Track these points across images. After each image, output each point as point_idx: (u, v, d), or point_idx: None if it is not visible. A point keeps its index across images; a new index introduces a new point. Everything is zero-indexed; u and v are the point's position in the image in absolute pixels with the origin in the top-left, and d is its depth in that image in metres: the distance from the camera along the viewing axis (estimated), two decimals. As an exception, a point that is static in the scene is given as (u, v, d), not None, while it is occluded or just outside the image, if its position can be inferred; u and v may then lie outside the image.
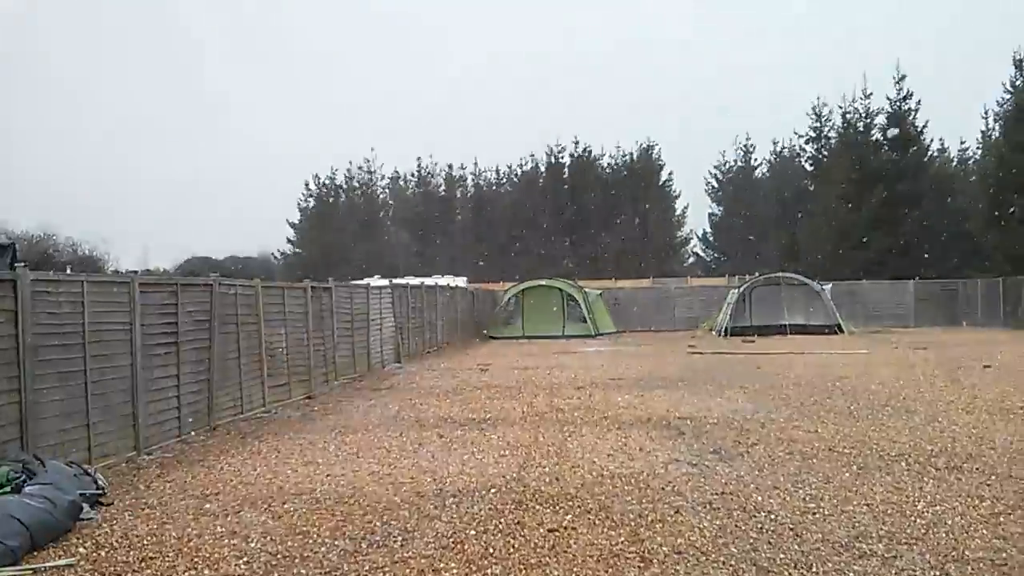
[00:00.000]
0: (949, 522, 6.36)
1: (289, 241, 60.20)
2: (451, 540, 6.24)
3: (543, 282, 35.35)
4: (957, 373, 16.65)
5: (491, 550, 5.98)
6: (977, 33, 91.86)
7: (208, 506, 7.42)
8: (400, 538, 6.33)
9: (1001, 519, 6.39)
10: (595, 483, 7.87)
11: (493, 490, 7.67)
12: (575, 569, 5.57)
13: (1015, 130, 38.78)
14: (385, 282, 23.72)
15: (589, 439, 10.17)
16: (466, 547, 6.07)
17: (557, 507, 7.04)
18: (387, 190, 64.74)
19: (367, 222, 60.05)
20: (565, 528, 6.45)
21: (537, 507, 7.05)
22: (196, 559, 6.00)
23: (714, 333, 32.39)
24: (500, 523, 6.61)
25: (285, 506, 7.32)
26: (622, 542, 6.08)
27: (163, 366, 10.47)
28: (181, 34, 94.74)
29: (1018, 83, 39.30)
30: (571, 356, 23.32)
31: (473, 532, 6.41)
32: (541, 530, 6.40)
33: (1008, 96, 40.25)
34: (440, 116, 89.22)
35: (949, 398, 13.08)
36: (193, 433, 10.96)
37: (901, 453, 8.91)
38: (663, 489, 7.54)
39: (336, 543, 6.25)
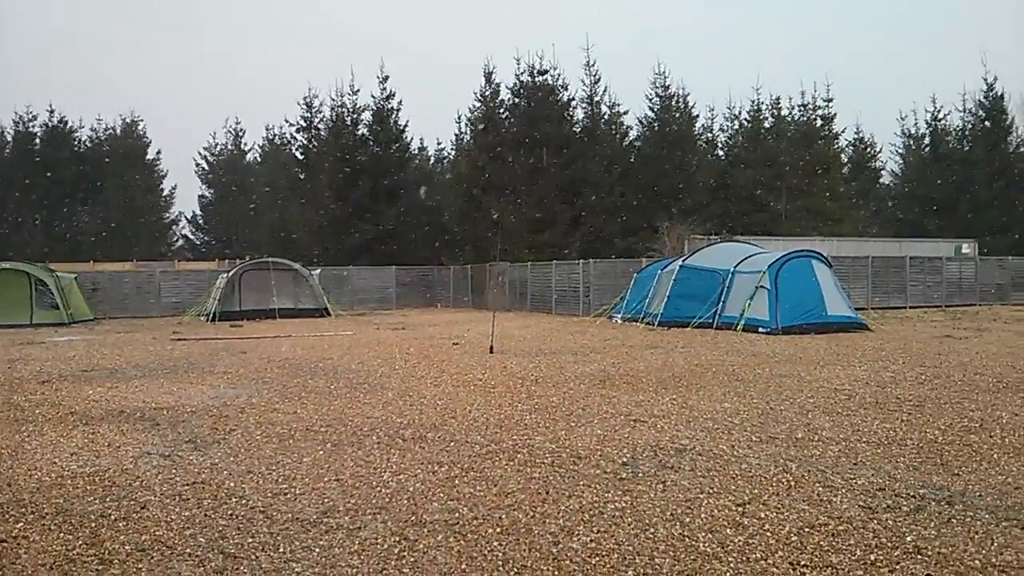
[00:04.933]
0: (411, 489, 6.83)
1: None
2: None
3: (6, 265, 31.36)
4: (429, 350, 18.24)
5: (-90, 577, 5.10)
6: (449, 41, 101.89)
7: None
8: None
9: (456, 482, 7.02)
10: (54, 485, 7.12)
11: (-81, 507, 6.55)
12: (20, 583, 4.99)
13: (482, 135, 44.04)
14: None
15: (51, 438, 9.18)
16: None
17: (7, 515, 6.23)
18: None
19: None
20: (15, 537, 5.73)
21: (-22, 520, 6.18)
22: None
23: (202, 319, 31.58)
24: (-75, 544, 5.67)
25: None
26: (80, 545, 5.59)
27: None
28: None
29: (487, 94, 44.49)
30: (39, 347, 20.93)
31: None
32: (-18, 545, 5.63)
33: (479, 104, 45.42)
34: None
35: (421, 374, 14.20)
36: None
37: (373, 427, 9.44)
38: (130, 485, 7.08)
39: None
